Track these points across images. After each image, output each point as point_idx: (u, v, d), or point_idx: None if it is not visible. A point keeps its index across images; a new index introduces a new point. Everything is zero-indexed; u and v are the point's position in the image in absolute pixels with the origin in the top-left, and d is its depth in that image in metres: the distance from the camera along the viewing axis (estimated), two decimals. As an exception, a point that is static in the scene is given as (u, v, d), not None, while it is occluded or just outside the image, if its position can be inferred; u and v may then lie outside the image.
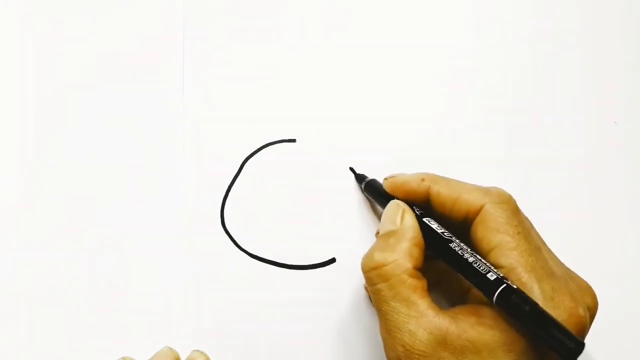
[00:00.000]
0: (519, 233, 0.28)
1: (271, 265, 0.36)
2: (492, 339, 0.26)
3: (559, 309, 0.26)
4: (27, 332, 0.35)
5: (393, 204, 0.31)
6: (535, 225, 0.30)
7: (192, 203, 0.37)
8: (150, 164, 0.38)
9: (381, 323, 0.29)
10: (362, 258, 0.30)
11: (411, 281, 0.28)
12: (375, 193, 0.35)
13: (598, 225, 0.38)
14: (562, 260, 0.30)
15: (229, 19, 0.40)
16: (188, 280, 0.36)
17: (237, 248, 0.36)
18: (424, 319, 0.27)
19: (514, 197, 0.30)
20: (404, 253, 0.29)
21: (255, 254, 0.36)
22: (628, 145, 0.39)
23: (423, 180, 0.31)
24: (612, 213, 0.38)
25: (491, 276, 0.27)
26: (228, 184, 0.37)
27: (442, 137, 0.39)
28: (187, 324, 0.35)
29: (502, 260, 0.27)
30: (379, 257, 0.29)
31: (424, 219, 0.31)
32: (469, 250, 0.29)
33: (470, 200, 0.29)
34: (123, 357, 0.33)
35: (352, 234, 0.37)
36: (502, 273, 0.27)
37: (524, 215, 0.30)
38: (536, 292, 0.26)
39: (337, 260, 0.36)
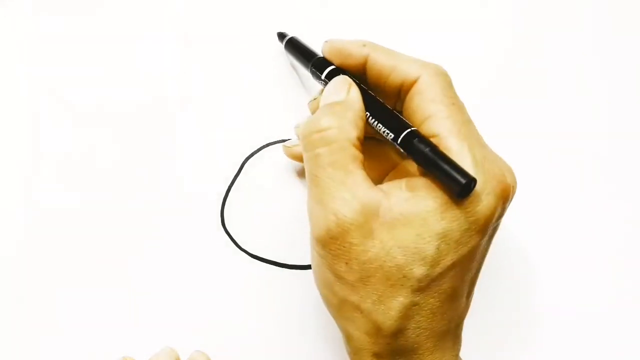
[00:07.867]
0: (453, 104, 0.28)
1: (271, 265, 0.36)
2: (424, 209, 0.26)
3: (487, 175, 0.26)
4: (28, 332, 0.35)
5: (340, 77, 0.30)
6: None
7: (192, 203, 0.37)
8: (150, 164, 0.38)
9: (313, 192, 0.28)
10: (302, 124, 0.29)
11: (353, 150, 0.27)
12: (299, 51, 0.33)
13: (598, 225, 0.38)
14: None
15: (228, 17, 0.41)
16: (188, 280, 0.36)
17: (237, 248, 0.36)
18: (359, 189, 0.26)
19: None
20: (349, 121, 0.28)
21: (255, 254, 0.36)
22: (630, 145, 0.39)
23: (364, 46, 0.30)
24: (613, 213, 0.38)
25: (399, 122, 0.28)
26: (228, 184, 0.37)
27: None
28: (187, 324, 0.35)
29: (436, 129, 0.27)
30: (325, 121, 0.27)
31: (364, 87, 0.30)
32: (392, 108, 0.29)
33: (408, 71, 0.29)
34: (123, 357, 0.33)
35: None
36: (435, 141, 0.27)
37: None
38: (467, 158, 0.26)
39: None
